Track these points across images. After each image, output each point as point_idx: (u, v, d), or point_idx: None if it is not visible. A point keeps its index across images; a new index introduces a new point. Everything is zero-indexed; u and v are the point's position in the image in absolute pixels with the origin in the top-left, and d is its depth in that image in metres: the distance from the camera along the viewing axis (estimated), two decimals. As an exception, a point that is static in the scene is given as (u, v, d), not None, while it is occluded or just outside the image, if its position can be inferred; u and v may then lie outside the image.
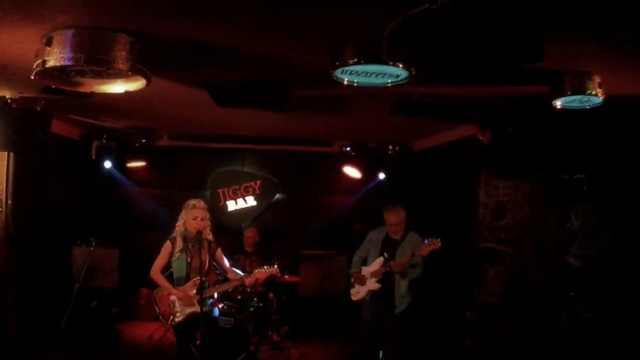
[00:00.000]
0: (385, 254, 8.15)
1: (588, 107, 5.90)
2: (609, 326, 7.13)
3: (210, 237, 7.28)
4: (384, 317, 8.33)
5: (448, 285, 9.26)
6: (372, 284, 8.28)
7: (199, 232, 7.08)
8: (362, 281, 8.38)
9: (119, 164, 11.58)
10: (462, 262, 9.23)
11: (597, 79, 5.55)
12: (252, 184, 12.47)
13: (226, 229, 11.77)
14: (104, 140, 10.73)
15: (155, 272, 7.23)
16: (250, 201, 12.47)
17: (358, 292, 8.50)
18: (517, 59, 4.25)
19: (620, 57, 5.14)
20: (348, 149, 11.61)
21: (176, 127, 10.85)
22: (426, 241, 7.77)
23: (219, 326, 8.38)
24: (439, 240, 7.63)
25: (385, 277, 8.18)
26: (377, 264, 8.26)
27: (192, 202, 7.25)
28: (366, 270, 8.39)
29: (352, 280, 8.63)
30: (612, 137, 7.50)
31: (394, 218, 8.24)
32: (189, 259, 7.13)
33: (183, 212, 7.22)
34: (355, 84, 5.16)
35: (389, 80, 5.09)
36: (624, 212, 7.36)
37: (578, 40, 4.66)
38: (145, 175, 12.06)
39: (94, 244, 9.69)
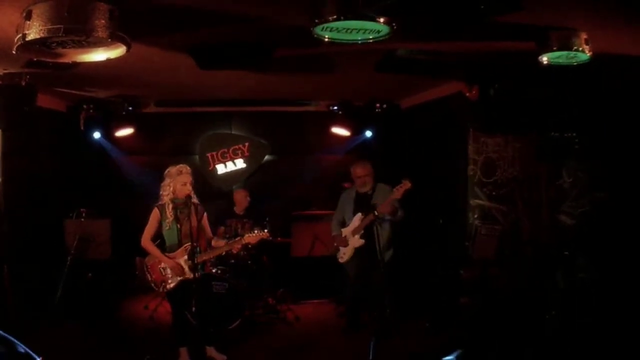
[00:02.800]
0: (363, 211, 8.43)
1: (575, 64, 5.88)
2: (606, 286, 7.18)
3: (196, 200, 7.32)
4: (369, 273, 8.48)
5: (441, 243, 9.32)
6: (356, 241, 8.48)
7: (189, 197, 7.13)
8: (345, 242, 8.59)
9: (107, 134, 11.52)
10: (453, 219, 9.29)
11: (584, 36, 5.54)
12: (241, 146, 12.43)
13: (217, 193, 11.80)
14: (91, 111, 10.70)
15: (146, 240, 7.29)
16: (240, 164, 12.44)
17: (344, 254, 8.68)
18: (497, 8, 4.25)
19: (609, 14, 5.15)
20: (335, 107, 11.59)
21: (162, 93, 10.80)
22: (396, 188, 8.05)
23: (213, 292, 8.44)
24: (408, 180, 7.98)
25: (368, 232, 8.34)
26: (356, 220, 8.50)
27: (177, 168, 7.24)
28: (347, 230, 8.60)
29: (335, 244, 8.79)
30: (602, 96, 7.52)
31: (362, 170, 8.59)
32: (179, 225, 7.18)
33: (169, 180, 7.22)
34: (336, 41, 5.14)
35: (371, 36, 5.04)
36: (616, 170, 7.40)
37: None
38: (133, 143, 11.97)
39: (84, 215, 9.70)
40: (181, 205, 7.19)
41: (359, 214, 8.49)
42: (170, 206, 7.18)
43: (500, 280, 8.19)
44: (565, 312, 7.40)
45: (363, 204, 8.55)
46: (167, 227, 7.22)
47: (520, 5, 4.18)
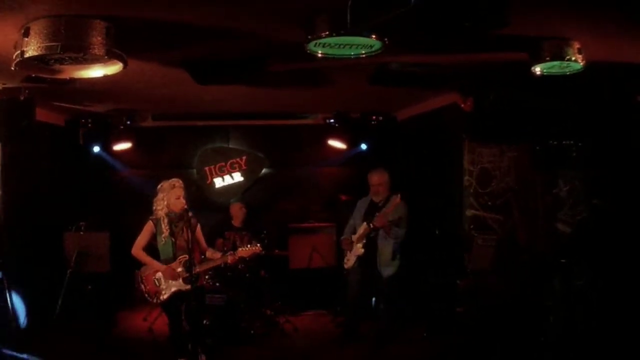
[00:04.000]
0: (368, 220, 8.46)
1: (568, 73, 5.92)
2: (604, 293, 7.21)
3: (190, 213, 7.33)
4: (371, 285, 8.53)
5: (438, 254, 9.35)
6: (358, 250, 8.53)
7: (185, 210, 7.15)
8: (350, 247, 8.63)
9: (106, 147, 11.53)
10: (450, 230, 9.32)
11: (576, 45, 5.57)
12: (238, 159, 12.45)
13: (216, 207, 11.84)
14: (89, 125, 10.77)
15: (137, 250, 7.35)
16: (237, 177, 12.44)
17: (349, 260, 8.75)
18: (483, 25, 4.30)
19: (601, 23, 5.19)
20: (332, 120, 11.64)
21: (159, 108, 10.85)
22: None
23: (211, 304, 8.47)
24: (398, 195, 8.15)
25: (369, 243, 8.39)
26: (361, 228, 8.50)
27: (170, 182, 7.31)
28: (354, 237, 8.61)
29: (342, 247, 8.85)
30: (598, 104, 7.57)
31: (377, 178, 8.63)
32: (174, 239, 7.24)
33: (162, 194, 7.29)
34: (329, 56, 5.21)
35: (363, 51, 5.13)
36: (612, 178, 7.44)
37: (555, 6, 4.71)
38: (131, 157, 11.99)
39: (83, 228, 9.75)
40: (176, 219, 7.26)
41: (364, 224, 8.54)
42: (166, 220, 7.25)
43: (497, 289, 8.22)
44: (563, 320, 7.44)
45: (372, 213, 8.61)
46: (163, 242, 7.28)
47: (506, 21, 4.23)
